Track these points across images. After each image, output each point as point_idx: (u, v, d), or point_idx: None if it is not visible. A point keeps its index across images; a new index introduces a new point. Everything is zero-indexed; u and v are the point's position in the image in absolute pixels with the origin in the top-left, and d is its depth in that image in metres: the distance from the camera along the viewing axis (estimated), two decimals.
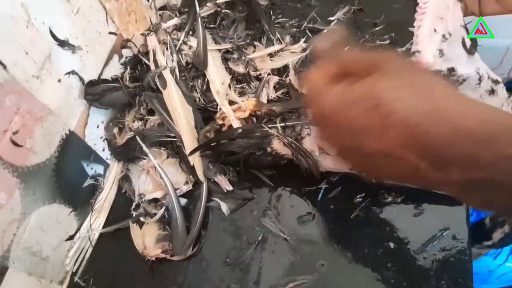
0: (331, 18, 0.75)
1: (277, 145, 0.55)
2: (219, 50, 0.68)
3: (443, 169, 0.32)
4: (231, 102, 0.63)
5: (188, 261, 0.56)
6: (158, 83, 0.65)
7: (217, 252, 0.56)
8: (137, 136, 0.63)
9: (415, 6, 0.48)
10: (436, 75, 0.42)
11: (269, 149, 0.56)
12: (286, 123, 0.55)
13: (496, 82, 0.50)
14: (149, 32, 0.71)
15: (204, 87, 0.66)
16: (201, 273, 0.55)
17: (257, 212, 0.58)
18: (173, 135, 0.62)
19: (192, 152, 0.59)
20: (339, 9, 0.75)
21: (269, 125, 0.55)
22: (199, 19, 0.69)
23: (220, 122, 0.61)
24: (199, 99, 0.66)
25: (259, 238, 0.55)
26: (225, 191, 0.60)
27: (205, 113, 0.65)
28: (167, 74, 0.65)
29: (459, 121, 0.31)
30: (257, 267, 0.54)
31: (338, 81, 0.38)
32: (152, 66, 0.67)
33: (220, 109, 0.62)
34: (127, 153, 0.65)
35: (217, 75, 0.66)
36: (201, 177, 0.60)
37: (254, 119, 0.60)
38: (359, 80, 0.36)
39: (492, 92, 0.50)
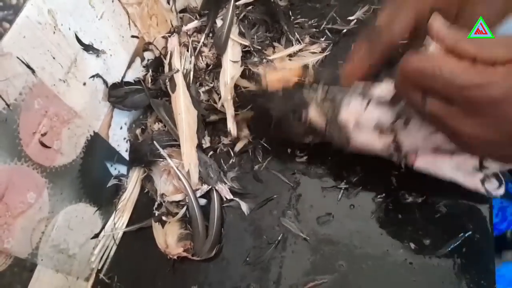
0: (351, 18, 0.75)
1: (313, 113, 0.54)
2: (240, 44, 0.69)
3: None
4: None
5: (209, 260, 0.57)
6: (168, 87, 0.66)
7: (237, 251, 0.57)
8: (154, 141, 0.64)
9: None
10: None
11: (304, 115, 0.54)
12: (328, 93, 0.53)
13: None
14: (170, 34, 0.73)
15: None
16: (221, 272, 0.56)
17: (276, 212, 0.58)
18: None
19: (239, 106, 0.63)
20: (358, 9, 0.75)
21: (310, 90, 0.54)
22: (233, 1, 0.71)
23: (265, 77, 0.61)
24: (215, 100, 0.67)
25: (279, 238, 0.56)
26: (225, 199, 0.61)
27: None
28: (178, 78, 0.66)
29: None
30: (277, 267, 0.54)
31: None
32: (166, 69, 0.69)
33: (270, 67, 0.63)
34: (141, 159, 0.66)
35: (230, 65, 0.67)
36: (194, 182, 0.61)
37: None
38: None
39: None
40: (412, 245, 0.51)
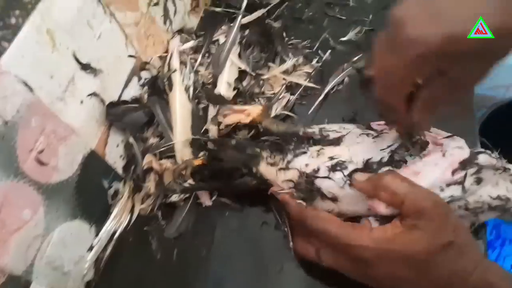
0: (343, 39, 0.77)
1: (264, 169, 0.55)
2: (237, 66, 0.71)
3: None
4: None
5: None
6: (166, 86, 0.69)
7: (234, 269, 0.57)
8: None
9: None
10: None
11: (254, 170, 0.55)
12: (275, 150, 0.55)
13: None
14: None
15: None
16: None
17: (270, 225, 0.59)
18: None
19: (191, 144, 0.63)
20: (350, 30, 0.77)
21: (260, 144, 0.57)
22: (240, 16, 0.74)
23: (221, 119, 0.62)
24: None
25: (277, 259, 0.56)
26: (204, 206, 0.62)
27: None
28: (176, 77, 0.69)
29: None
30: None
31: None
32: (166, 69, 0.71)
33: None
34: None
35: (224, 87, 0.69)
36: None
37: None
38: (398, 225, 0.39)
39: None
40: None
